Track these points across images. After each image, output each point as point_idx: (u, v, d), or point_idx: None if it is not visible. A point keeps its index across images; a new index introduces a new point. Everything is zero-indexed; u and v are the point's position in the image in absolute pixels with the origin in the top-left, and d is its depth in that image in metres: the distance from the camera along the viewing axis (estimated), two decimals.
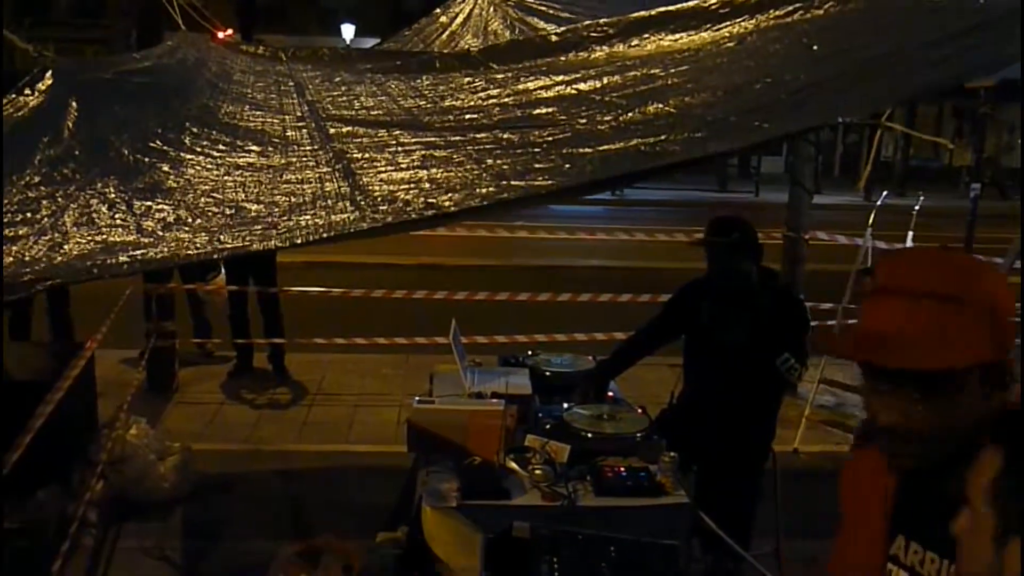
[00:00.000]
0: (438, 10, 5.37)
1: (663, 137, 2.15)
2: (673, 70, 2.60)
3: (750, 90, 2.31)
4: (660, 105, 2.40)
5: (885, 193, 6.76)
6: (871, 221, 5.92)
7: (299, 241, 2.18)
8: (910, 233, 5.64)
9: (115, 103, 2.89)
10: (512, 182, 2.23)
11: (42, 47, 3.29)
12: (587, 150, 2.27)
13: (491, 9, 5.14)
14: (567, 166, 2.25)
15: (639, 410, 3.41)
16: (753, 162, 25.68)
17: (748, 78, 2.40)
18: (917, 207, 5.67)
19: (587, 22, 3.22)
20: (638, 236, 8.97)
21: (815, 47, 2.32)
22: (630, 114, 2.43)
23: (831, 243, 6.97)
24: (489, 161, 2.39)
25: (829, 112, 2.03)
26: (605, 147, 2.24)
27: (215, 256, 2.21)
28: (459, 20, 5.20)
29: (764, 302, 3.50)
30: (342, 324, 6.93)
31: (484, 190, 2.24)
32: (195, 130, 2.77)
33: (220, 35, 6.55)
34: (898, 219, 5.90)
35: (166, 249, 2.14)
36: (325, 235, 2.19)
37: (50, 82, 2.74)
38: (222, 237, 2.20)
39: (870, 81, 2.05)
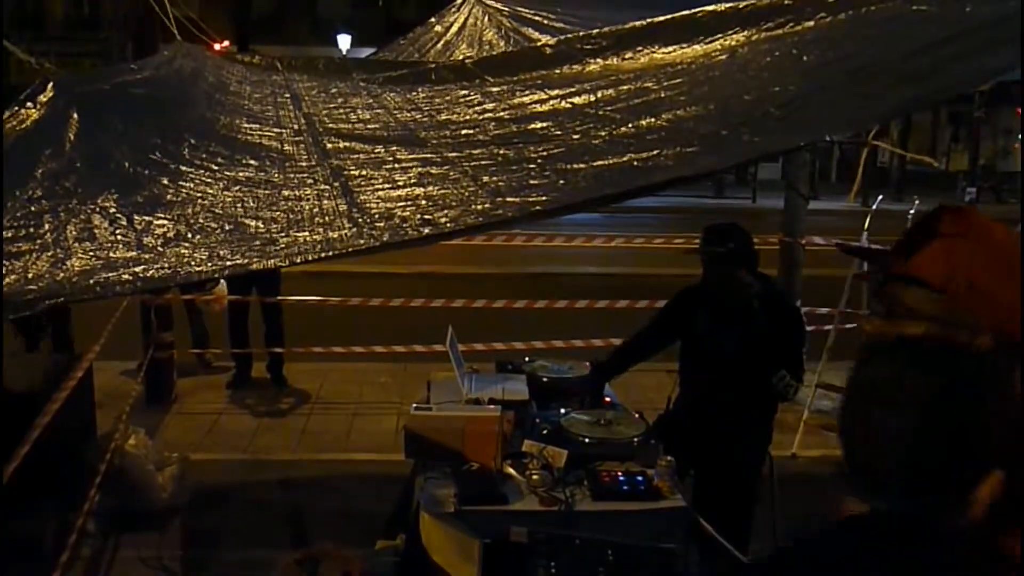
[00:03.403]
0: (433, 19, 5.39)
1: (655, 152, 2.18)
2: (666, 83, 2.63)
3: (740, 102, 2.34)
4: (652, 119, 2.43)
5: (880, 197, 6.79)
6: (867, 225, 5.95)
7: (298, 260, 2.21)
8: None
9: (115, 115, 2.91)
10: (507, 198, 2.27)
11: (43, 59, 3.31)
12: (581, 165, 2.30)
13: (486, 19, 5.17)
14: (561, 182, 2.28)
15: (636, 415, 3.43)
16: (750, 168, 25.75)
17: (738, 91, 2.43)
18: (912, 211, 5.70)
19: (581, 34, 3.25)
20: (635, 242, 8.98)
21: (804, 58, 2.35)
22: (623, 128, 2.45)
23: (828, 248, 6.99)
24: (485, 178, 2.42)
25: (816, 131, 2.07)
26: (599, 162, 2.27)
27: (216, 275, 2.24)
28: (454, 29, 5.23)
29: (759, 313, 3.47)
30: (340, 333, 6.94)
31: (480, 207, 2.28)
32: (193, 142, 2.78)
33: (216, 47, 6.59)
34: (894, 223, 5.91)
35: (167, 265, 2.17)
36: (324, 254, 2.21)
37: (51, 94, 2.76)
38: (221, 252, 2.23)
39: (857, 96, 2.09)
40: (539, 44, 3.66)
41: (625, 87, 2.73)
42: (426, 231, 2.21)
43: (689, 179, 2.37)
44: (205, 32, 6.79)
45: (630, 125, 2.46)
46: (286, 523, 4.51)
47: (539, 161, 2.44)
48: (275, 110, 3.28)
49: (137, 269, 2.12)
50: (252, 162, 2.74)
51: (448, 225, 2.22)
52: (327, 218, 2.36)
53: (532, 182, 2.33)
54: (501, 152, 2.56)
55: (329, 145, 2.85)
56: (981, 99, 21.58)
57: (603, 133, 2.49)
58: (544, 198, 2.21)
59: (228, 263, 2.20)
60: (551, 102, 2.84)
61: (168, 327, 6.30)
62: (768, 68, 2.45)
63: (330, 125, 3.04)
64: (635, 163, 2.19)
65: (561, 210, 2.40)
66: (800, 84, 2.26)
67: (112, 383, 6.09)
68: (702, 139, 2.21)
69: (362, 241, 2.24)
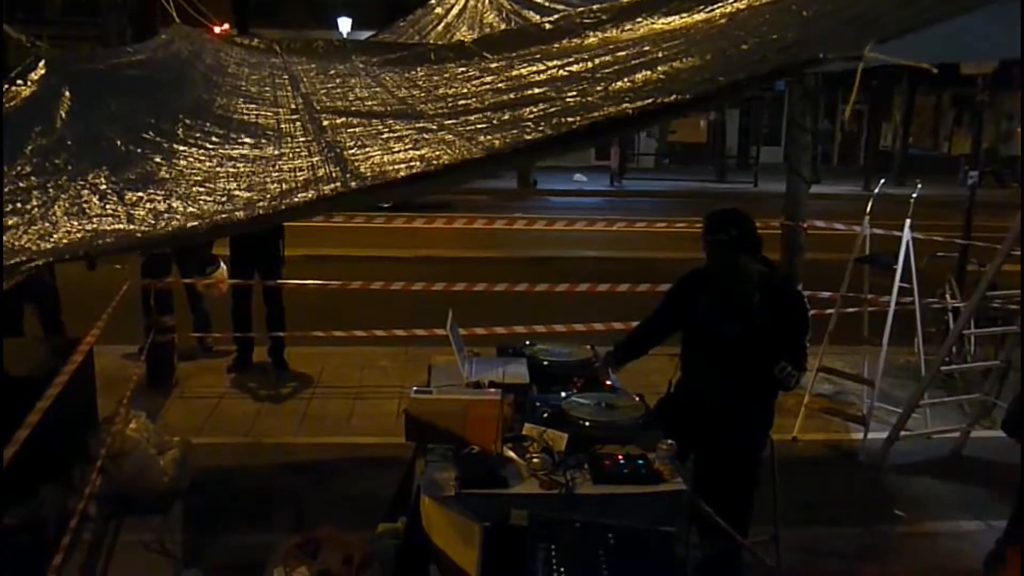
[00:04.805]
0: (433, 1, 5.36)
1: (651, 100, 2.17)
2: (664, 44, 2.61)
3: (737, 51, 2.33)
4: (649, 72, 2.43)
5: (883, 181, 6.75)
6: (869, 209, 5.92)
7: (283, 208, 2.20)
8: (908, 221, 5.64)
9: (108, 94, 2.88)
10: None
11: (35, 39, 3.28)
12: (576, 119, 2.29)
13: (486, 1, 5.13)
14: (554, 135, 2.27)
15: (636, 398, 3.42)
16: (752, 152, 25.69)
17: (736, 43, 2.41)
18: (914, 195, 5.66)
19: (580, 9, 3.22)
20: (637, 227, 8.95)
21: (804, 13, 2.35)
22: (619, 83, 2.44)
23: (829, 231, 6.97)
24: (480, 138, 2.41)
25: (811, 55, 2.07)
26: (595, 114, 2.26)
27: (200, 229, 2.21)
28: (454, 12, 5.20)
29: (762, 299, 3.44)
30: (341, 317, 6.94)
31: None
32: (188, 122, 2.76)
33: (216, 30, 6.53)
34: (896, 208, 5.89)
35: (151, 231, 2.15)
36: (309, 199, 2.20)
37: (43, 72, 2.73)
38: (212, 220, 2.22)
39: (855, 34, 2.07)
40: (538, 22, 3.62)
41: (622, 53, 2.71)
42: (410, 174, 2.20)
43: (674, 114, 2.37)
44: (205, 15, 6.73)
45: (626, 80, 2.45)
46: (287, 507, 4.51)
47: (533, 119, 2.43)
48: (273, 91, 3.26)
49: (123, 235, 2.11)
50: (248, 140, 2.72)
51: (432, 167, 2.21)
52: (320, 184, 2.36)
53: (527, 137, 2.32)
54: (497, 116, 2.55)
55: (326, 122, 2.83)
56: (984, 82, 21.45)
57: (599, 89, 2.47)
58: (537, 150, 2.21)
59: (212, 219, 2.18)
60: (549, 71, 2.82)
61: (168, 311, 6.30)
62: (767, 23, 2.44)
63: (328, 104, 3.02)
64: (630, 111, 2.18)
65: (549, 145, 2.38)
66: (799, 32, 2.26)
67: (113, 367, 6.08)
68: (698, 85, 2.20)
69: (352, 185, 2.24)
